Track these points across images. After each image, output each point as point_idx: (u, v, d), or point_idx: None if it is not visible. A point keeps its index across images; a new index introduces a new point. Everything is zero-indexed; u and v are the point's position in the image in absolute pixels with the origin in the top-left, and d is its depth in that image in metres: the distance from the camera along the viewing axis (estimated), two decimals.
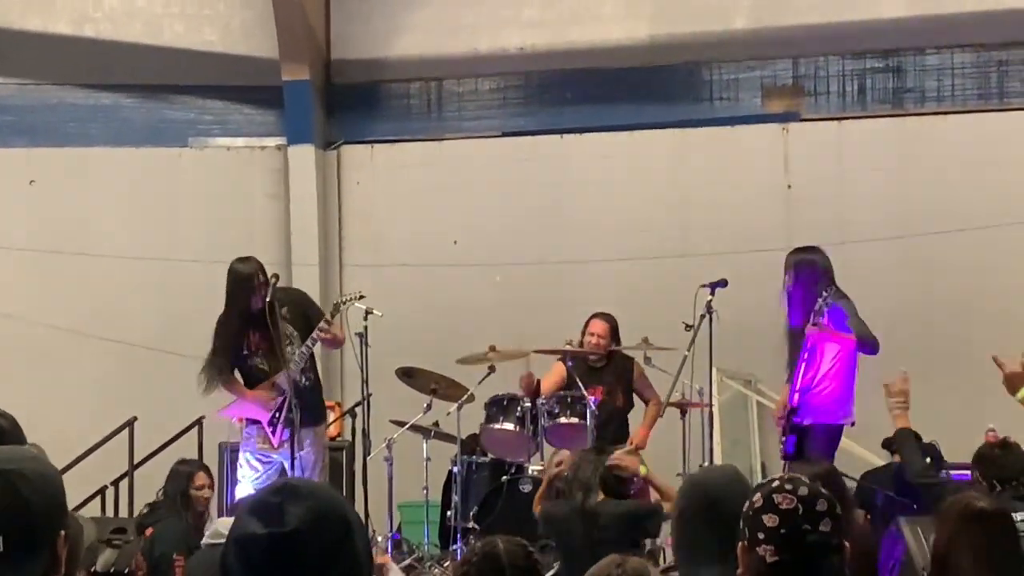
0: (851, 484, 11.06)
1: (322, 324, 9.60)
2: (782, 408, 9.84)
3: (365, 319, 10.42)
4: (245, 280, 9.60)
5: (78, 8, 14.88)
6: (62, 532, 2.88)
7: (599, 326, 10.72)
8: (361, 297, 9.94)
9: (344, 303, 9.84)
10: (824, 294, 9.37)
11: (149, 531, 7.68)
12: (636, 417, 10.91)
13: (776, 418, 10.05)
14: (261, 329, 9.52)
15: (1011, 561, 4.60)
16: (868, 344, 9.56)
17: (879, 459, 12.04)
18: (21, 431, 5.55)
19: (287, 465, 9.49)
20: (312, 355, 9.85)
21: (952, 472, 10.81)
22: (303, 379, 9.71)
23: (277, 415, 9.57)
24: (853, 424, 10.06)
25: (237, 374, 9.82)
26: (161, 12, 14.92)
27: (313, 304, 10.09)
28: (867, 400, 10.42)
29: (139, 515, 8.42)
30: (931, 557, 4.69)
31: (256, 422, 9.75)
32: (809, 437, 9.60)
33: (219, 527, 6.70)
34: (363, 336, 10.38)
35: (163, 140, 14.85)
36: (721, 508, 4.02)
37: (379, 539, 10.41)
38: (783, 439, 9.72)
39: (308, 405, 9.76)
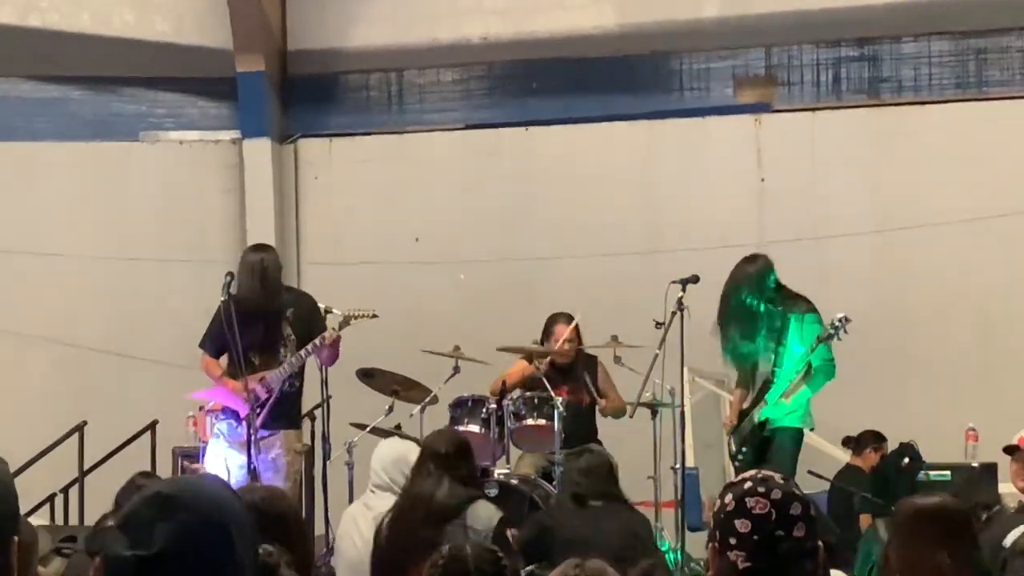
0: (824, 485, 11.16)
1: (326, 333, 9.56)
2: (734, 418, 9.89)
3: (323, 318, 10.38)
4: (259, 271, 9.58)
5: None
6: (15, 538, 2.81)
7: (567, 331, 10.70)
8: (374, 316, 9.89)
9: (356, 317, 9.78)
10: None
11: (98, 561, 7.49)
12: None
13: (729, 425, 10.07)
14: (259, 324, 9.51)
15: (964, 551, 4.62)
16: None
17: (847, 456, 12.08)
18: None
19: (258, 467, 9.41)
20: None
21: (931, 472, 10.88)
22: (287, 384, 9.72)
23: (258, 410, 9.51)
24: (812, 428, 10.10)
25: (224, 360, 9.80)
26: (110, 1, 14.83)
27: (319, 313, 10.00)
28: (836, 402, 10.45)
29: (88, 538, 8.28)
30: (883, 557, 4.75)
31: (231, 413, 9.70)
32: (775, 440, 9.63)
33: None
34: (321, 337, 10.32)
35: (113, 134, 14.78)
36: None
37: None
38: (742, 449, 9.72)
39: (287, 409, 9.78)
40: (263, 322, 9.60)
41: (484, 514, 7.27)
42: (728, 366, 10.17)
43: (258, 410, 9.44)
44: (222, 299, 9.40)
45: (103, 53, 14.75)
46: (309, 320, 9.81)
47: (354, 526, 7.88)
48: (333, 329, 9.65)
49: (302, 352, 9.66)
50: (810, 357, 9.43)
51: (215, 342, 9.83)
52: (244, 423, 9.49)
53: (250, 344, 9.49)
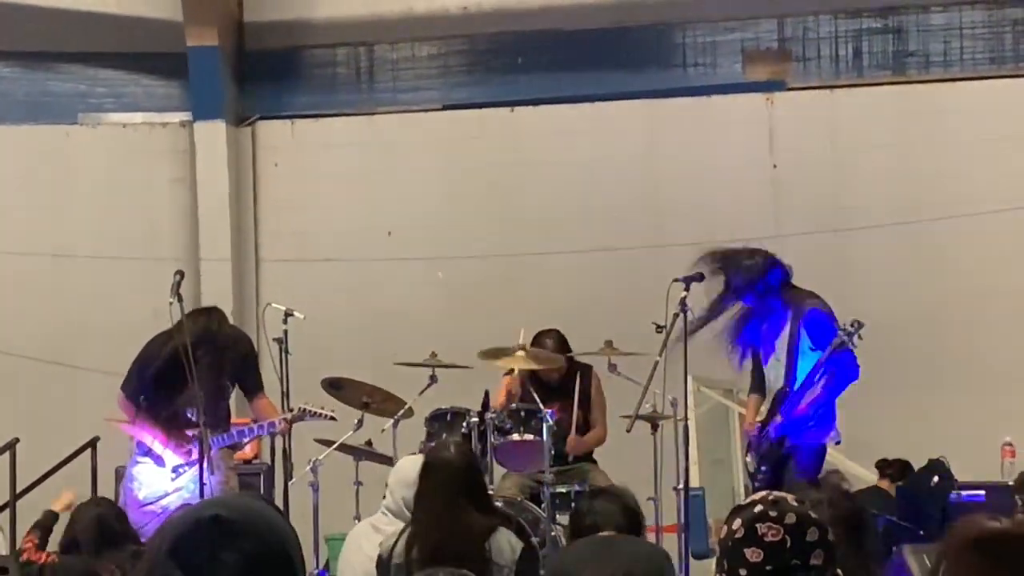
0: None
1: (279, 423, 9.63)
2: (754, 426, 9.80)
3: (285, 322, 10.34)
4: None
5: None
6: None
7: (549, 357, 10.67)
8: (332, 418, 9.91)
9: (313, 414, 9.80)
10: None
11: None
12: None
13: (748, 433, 9.98)
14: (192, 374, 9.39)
15: None
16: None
17: (871, 474, 12.06)
18: None
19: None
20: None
21: (963, 492, 10.83)
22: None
23: (183, 467, 9.49)
24: (839, 443, 10.03)
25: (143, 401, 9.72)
26: None
27: (256, 361, 9.96)
28: (858, 412, 10.40)
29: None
30: None
31: (157, 458, 9.65)
32: (793, 459, 9.58)
33: None
34: (283, 342, 10.29)
35: (49, 116, 14.75)
36: None
37: None
38: (761, 468, 9.66)
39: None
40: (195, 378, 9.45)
41: (507, 546, 7.18)
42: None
43: (184, 467, 9.44)
44: (169, 301, 9.29)
45: (37, 26, 14.70)
46: (242, 366, 9.73)
47: (357, 550, 7.76)
48: (285, 419, 9.64)
49: (247, 431, 9.66)
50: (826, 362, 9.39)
51: (138, 387, 9.69)
52: (170, 470, 9.49)
53: (184, 400, 9.41)
